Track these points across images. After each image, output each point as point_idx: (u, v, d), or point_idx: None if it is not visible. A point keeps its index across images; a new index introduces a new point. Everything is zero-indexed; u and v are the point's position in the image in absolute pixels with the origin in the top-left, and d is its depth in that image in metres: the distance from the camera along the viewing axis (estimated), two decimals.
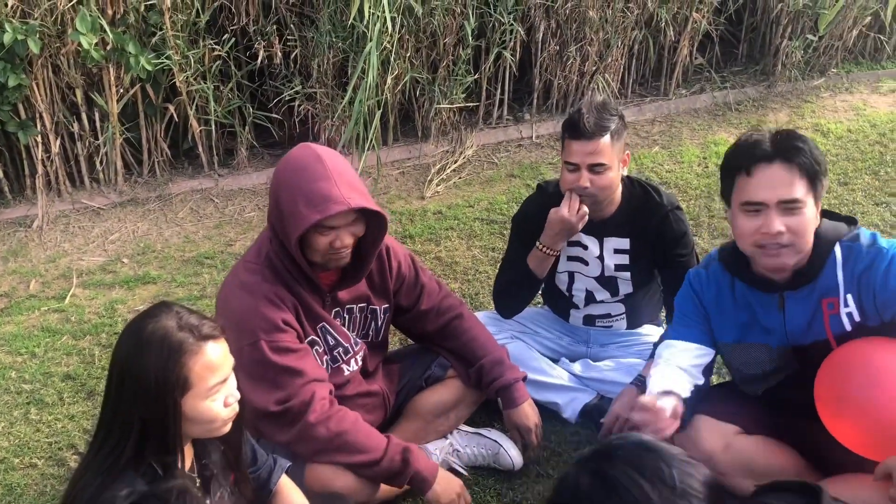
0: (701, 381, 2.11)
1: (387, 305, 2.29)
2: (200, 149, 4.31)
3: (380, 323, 2.30)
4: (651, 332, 2.68)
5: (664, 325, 2.80)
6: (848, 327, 1.95)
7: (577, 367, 2.62)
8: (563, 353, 2.70)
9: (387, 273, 2.27)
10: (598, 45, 4.71)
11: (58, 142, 3.99)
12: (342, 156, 2.08)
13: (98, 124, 4.07)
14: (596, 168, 2.34)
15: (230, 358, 1.62)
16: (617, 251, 2.49)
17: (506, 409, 2.34)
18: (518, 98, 5.02)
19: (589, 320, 2.66)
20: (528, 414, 2.32)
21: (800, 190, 1.86)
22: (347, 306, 2.21)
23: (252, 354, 1.99)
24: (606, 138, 2.32)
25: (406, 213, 4.04)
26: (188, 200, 4.24)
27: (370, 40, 3.90)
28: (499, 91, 4.80)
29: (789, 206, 1.85)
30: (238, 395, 1.63)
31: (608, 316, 2.63)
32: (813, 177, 1.87)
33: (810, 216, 1.89)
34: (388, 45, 4.06)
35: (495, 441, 2.39)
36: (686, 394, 2.04)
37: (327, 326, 2.14)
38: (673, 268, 2.47)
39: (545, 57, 4.72)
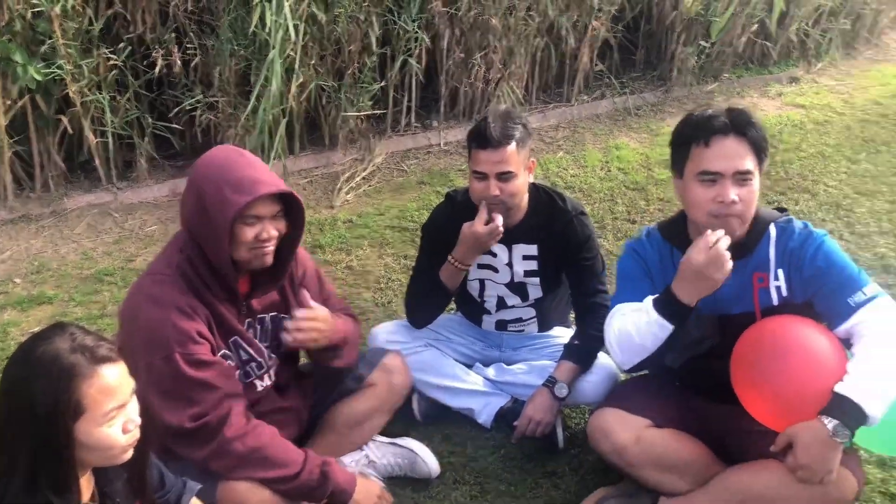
0: None
1: None
2: (97, 162, 4.15)
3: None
4: (561, 333, 2.72)
5: (573, 327, 2.85)
6: (775, 301, 2.07)
7: (490, 371, 2.64)
8: (476, 359, 2.71)
9: (295, 281, 2.23)
10: (501, 52, 4.78)
11: None
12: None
13: None
14: (504, 176, 2.36)
15: (129, 381, 1.55)
16: (525, 257, 2.53)
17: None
18: (425, 105, 5.04)
19: (501, 325, 2.68)
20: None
21: (750, 163, 1.99)
22: (259, 315, 2.16)
23: (165, 369, 1.92)
24: (513, 146, 2.34)
25: (315, 223, 3.99)
26: (85, 215, 4.07)
27: (273, 48, 3.83)
28: (406, 98, 4.80)
29: (742, 177, 1.98)
30: (138, 421, 1.55)
31: (519, 320, 2.66)
32: (760, 152, 2.01)
33: (756, 189, 2.02)
34: (291, 53, 4.01)
35: (411, 450, 2.38)
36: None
37: (240, 340, 2.09)
38: (579, 271, 2.52)
39: (451, 64, 4.75)
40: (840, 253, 2.05)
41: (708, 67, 5.61)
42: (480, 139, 2.34)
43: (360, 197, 4.28)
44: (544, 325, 2.70)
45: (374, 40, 4.35)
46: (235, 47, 4.04)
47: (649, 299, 2.04)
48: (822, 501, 1.95)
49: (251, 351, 2.11)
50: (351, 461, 2.34)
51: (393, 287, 3.45)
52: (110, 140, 4.07)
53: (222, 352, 2.05)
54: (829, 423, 1.83)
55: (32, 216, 4.03)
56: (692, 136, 2.02)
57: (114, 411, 1.49)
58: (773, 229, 2.09)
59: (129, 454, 1.57)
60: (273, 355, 2.20)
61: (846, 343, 1.99)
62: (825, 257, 2.03)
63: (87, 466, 1.55)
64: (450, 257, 2.47)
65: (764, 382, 1.98)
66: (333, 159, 4.60)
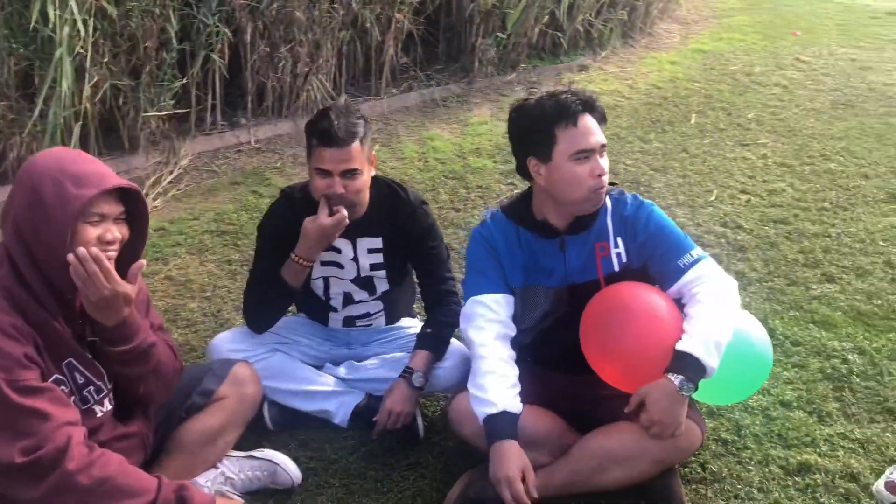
0: (514, 332, 2.21)
1: None
2: None
3: None
4: (409, 324, 2.71)
5: (419, 317, 2.86)
6: (616, 267, 2.19)
7: (342, 370, 2.57)
8: (325, 359, 2.63)
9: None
10: (308, 46, 4.68)
11: None
12: None
13: None
14: (349, 174, 2.31)
15: None
16: (371, 251, 2.49)
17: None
18: (231, 102, 4.83)
19: (349, 322, 2.62)
20: None
21: (604, 136, 2.13)
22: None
23: None
24: (357, 143, 2.29)
25: None
26: None
27: (59, 45, 3.49)
28: (210, 96, 4.57)
29: (603, 150, 2.12)
30: None
31: (367, 315, 2.62)
32: (603, 123, 2.16)
33: None
34: (81, 51, 3.67)
35: (269, 460, 2.27)
36: (516, 379, 2.13)
37: (75, 363, 1.87)
38: (426, 261, 2.52)
39: (256, 59, 4.59)
40: (667, 219, 2.21)
41: (506, 58, 5.84)
42: (325, 137, 2.27)
43: (169, 202, 4.02)
44: (392, 318, 2.68)
45: (172, 35, 4.09)
46: (14, 45, 3.63)
47: (495, 403, 2.05)
48: (673, 452, 2.10)
49: (88, 374, 1.90)
50: (206, 481, 2.19)
51: (220, 294, 3.27)
52: None
53: (54, 377, 1.83)
54: (676, 378, 1.97)
55: None
56: (556, 119, 2.08)
57: None
58: (608, 201, 2.21)
59: None
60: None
61: (678, 302, 2.14)
62: (656, 224, 2.18)
63: None
64: (293, 255, 2.37)
65: (612, 347, 2.09)
66: (134, 163, 4.28)
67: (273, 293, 2.44)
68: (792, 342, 2.90)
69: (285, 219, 2.43)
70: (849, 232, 3.76)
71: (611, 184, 2.28)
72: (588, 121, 2.09)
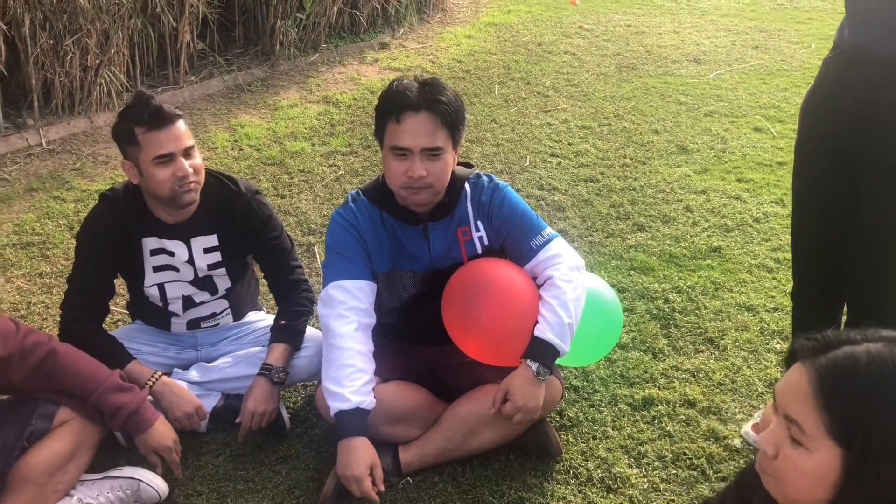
0: (374, 320, 2.19)
1: None
2: None
3: None
4: (257, 317, 2.62)
5: (265, 308, 2.78)
6: (479, 250, 2.24)
7: (193, 373, 2.45)
8: (173, 364, 2.49)
9: None
10: (96, 36, 4.35)
11: None
12: None
13: None
14: (190, 151, 2.23)
15: None
16: (207, 250, 2.38)
17: (136, 435, 2.10)
18: (13, 102, 4.40)
19: (193, 324, 2.50)
20: (164, 433, 2.13)
21: (441, 138, 2.05)
22: None
23: None
24: (182, 122, 2.20)
25: None
26: None
27: None
28: None
29: (432, 153, 2.06)
30: None
31: (213, 315, 2.50)
32: (453, 126, 2.08)
33: (449, 161, 2.11)
34: None
35: (130, 477, 2.13)
36: (372, 374, 2.13)
37: None
38: (269, 252, 2.45)
39: (38, 53, 4.20)
40: (520, 201, 2.27)
41: (307, 39, 5.75)
42: (154, 118, 2.14)
43: None
44: (238, 314, 2.58)
45: None
46: None
47: (349, 399, 2.05)
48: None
49: None
50: None
51: (38, 311, 3.00)
52: None
53: None
54: (533, 365, 2.07)
55: None
56: (387, 110, 2.07)
57: None
58: (467, 186, 2.24)
59: None
60: None
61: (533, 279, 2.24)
62: (509, 206, 2.23)
63: None
64: (149, 385, 2.27)
65: (473, 319, 2.15)
66: None
67: (96, 342, 2.29)
68: (619, 290, 3.13)
69: (110, 223, 2.28)
70: (650, 184, 4.09)
71: (466, 165, 2.32)
72: (418, 120, 2.03)
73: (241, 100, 5.10)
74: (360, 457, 2.01)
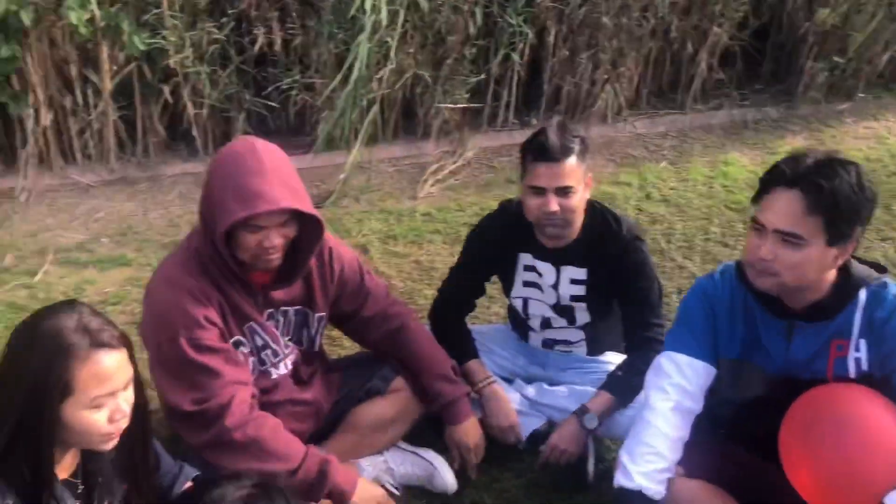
0: (699, 408, 1.98)
1: (322, 315, 2.20)
2: (195, 132, 4.26)
3: (312, 331, 2.20)
4: (614, 359, 2.54)
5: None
6: (852, 373, 1.85)
7: (531, 390, 2.50)
8: (519, 374, 2.58)
9: (328, 277, 2.18)
10: (611, 52, 4.57)
11: (50, 116, 3.96)
12: (282, 151, 1.98)
13: (92, 100, 4.02)
14: (564, 191, 2.21)
15: (127, 370, 1.52)
16: (573, 281, 2.37)
17: (448, 425, 2.25)
18: (528, 102, 4.90)
19: (548, 344, 2.54)
20: (469, 433, 2.23)
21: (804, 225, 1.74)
22: (282, 308, 2.12)
23: (171, 351, 1.91)
24: (573, 160, 2.19)
25: (394, 213, 3.95)
26: (179, 183, 4.19)
27: (363, 31, 3.80)
28: (506, 93, 4.67)
29: (788, 238, 1.73)
30: (126, 412, 1.52)
31: (567, 342, 2.51)
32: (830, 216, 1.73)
33: (816, 257, 1.75)
34: (388, 40, 3.96)
35: (430, 462, 2.29)
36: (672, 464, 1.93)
37: (255, 326, 2.05)
38: (632, 302, 2.35)
39: (555, 62, 4.59)
40: None
41: (840, 85, 5.17)
42: (539, 151, 2.19)
43: (444, 191, 4.20)
44: (595, 349, 2.54)
45: (474, 31, 4.24)
46: (335, 30, 4.03)
47: (634, 479, 1.87)
48: None
49: (266, 338, 2.08)
50: (368, 464, 2.28)
51: None
52: (205, 112, 4.16)
53: (235, 338, 2.02)
54: None
55: (130, 179, 4.19)
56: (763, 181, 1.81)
57: (103, 398, 1.48)
58: (863, 294, 1.83)
59: (112, 443, 1.55)
60: (290, 344, 2.15)
61: None
62: None
63: (69, 446, 1.55)
64: (479, 386, 2.38)
65: (813, 451, 1.77)
66: (425, 150, 4.53)
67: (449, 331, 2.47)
68: None
69: (494, 232, 2.42)
70: None
71: (877, 267, 1.90)
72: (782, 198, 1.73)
73: (740, 136, 4.85)
74: None
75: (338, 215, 3.89)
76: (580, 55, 4.54)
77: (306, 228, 2.00)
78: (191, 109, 4.14)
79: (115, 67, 3.91)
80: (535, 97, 4.87)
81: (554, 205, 2.21)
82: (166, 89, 4.05)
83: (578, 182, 2.22)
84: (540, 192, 2.22)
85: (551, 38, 4.51)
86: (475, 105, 4.56)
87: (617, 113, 4.79)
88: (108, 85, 3.93)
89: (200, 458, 1.92)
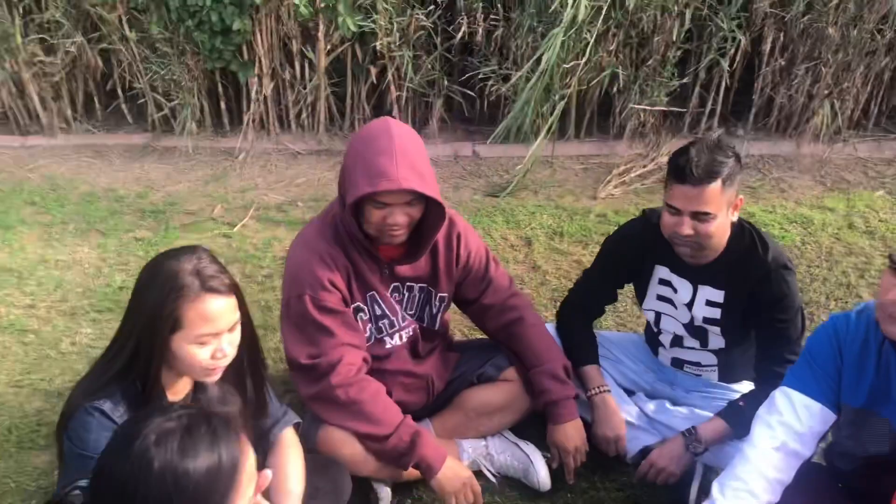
0: (809, 452, 1.85)
1: (444, 294, 2.27)
2: (396, 113, 4.50)
3: (434, 310, 2.29)
4: (746, 388, 2.38)
5: None
6: None
7: (651, 406, 2.41)
8: (644, 388, 2.50)
9: (453, 261, 2.25)
10: (835, 66, 4.20)
11: (271, 85, 4.38)
12: (417, 135, 2.07)
13: (308, 75, 4.39)
14: (699, 216, 2.09)
15: (233, 316, 1.68)
16: (709, 303, 2.24)
17: (550, 424, 2.25)
18: (736, 112, 4.64)
19: (677, 363, 2.43)
20: (570, 435, 2.21)
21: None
22: (407, 283, 2.22)
23: (296, 306, 2.08)
24: (716, 184, 2.03)
25: (569, 210, 3.94)
26: None
27: (559, 25, 3.81)
28: (711, 100, 4.46)
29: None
30: (227, 353, 1.69)
31: (698, 364, 2.39)
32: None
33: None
34: (587, 36, 3.94)
35: (528, 456, 2.30)
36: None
37: (377, 296, 2.17)
38: (768, 333, 2.19)
39: (769, 71, 4.30)
40: None
41: None
42: (678, 172, 2.06)
43: (626, 194, 4.11)
44: (728, 377, 2.40)
45: (680, 33, 4.09)
46: (535, 23, 4.08)
47: None
48: None
49: (385, 308, 2.19)
50: (470, 447, 2.34)
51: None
52: (406, 95, 4.38)
53: (356, 304, 2.15)
54: None
55: (335, 151, 4.53)
56: None
57: (207, 337, 1.65)
58: None
59: (214, 377, 1.73)
60: (409, 318, 2.25)
61: None
62: None
63: (179, 373, 1.75)
64: (591, 393, 2.35)
65: None
66: (617, 150, 4.46)
67: (583, 327, 2.47)
68: None
69: (632, 239, 2.36)
70: None
71: None
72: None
73: None
74: None
75: (511, 206, 3.95)
76: (798, 66, 4.23)
77: (433, 211, 2.08)
78: (393, 91, 4.39)
79: (329, 46, 4.23)
80: (744, 107, 4.61)
81: (687, 228, 2.09)
82: (373, 70, 4.32)
83: (719, 208, 2.07)
84: (676, 212, 2.12)
85: (767, 46, 4.24)
86: (675, 109, 4.40)
87: (836, 132, 4.40)
88: (323, 62, 4.27)
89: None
